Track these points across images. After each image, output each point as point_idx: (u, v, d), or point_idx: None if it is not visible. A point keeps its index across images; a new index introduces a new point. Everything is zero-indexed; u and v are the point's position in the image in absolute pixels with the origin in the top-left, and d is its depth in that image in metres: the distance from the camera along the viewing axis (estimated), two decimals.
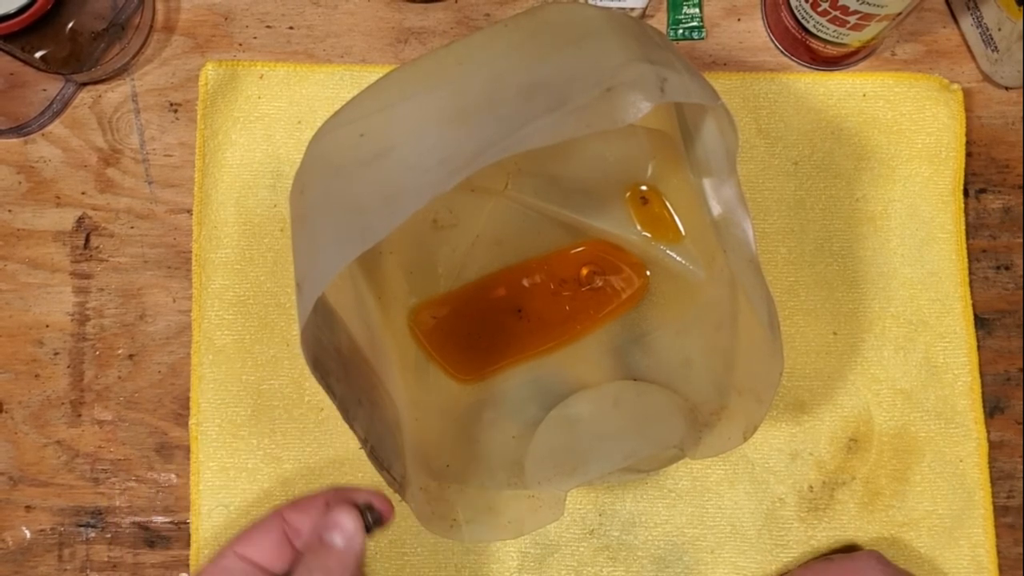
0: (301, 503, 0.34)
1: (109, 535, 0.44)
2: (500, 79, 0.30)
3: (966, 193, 0.47)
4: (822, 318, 0.46)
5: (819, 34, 0.44)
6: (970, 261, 0.46)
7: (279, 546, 0.32)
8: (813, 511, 0.44)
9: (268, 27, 0.48)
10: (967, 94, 0.48)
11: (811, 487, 0.45)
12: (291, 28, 0.48)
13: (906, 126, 0.47)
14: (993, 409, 0.46)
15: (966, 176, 0.47)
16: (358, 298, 0.39)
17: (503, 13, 0.48)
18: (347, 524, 0.32)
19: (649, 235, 0.44)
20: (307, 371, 0.44)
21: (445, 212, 0.44)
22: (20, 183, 0.47)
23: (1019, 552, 0.45)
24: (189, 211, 0.46)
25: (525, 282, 0.45)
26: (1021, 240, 0.47)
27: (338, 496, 0.34)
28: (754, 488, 0.44)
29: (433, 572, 0.44)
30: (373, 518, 0.33)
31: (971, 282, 0.46)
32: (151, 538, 0.44)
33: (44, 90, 0.47)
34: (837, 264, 0.46)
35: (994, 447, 0.45)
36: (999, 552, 0.44)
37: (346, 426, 0.34)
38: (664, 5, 0.49)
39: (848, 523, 0.44)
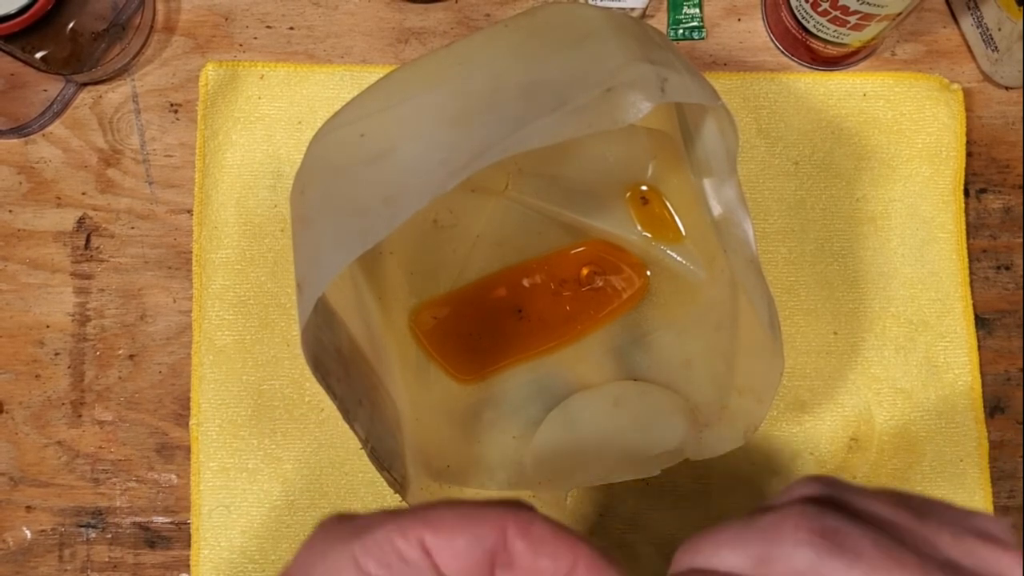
0: (537, 534, 0.22)
1: (110, 535, 0.44)
2: (500, 79, 0.30)
3: (966, 193, 0.47)
4: (822, 318, 0.46)
5: (819, 34, 0.44)
6: (970, 261, 0.46)
7: (481, 561, 0.22)
8: None
9: (268, 27, 0.48)
10: (967, 94, 0.48)
11: None
12: (291, 28, 0.48)
13: (906, 126, 0.47)
14: (993, 409, 0.46)
15: (966, 176, 0.47)
16: (359, 298, 0.39)
17: (503, 13, 0.48)
18: None
19: (649, 235, 0.44)
20: (307, 371, 0.44)
21: (446, 212, 0.44)
22: (20, 183, 0.47)
23: None
24: (189, 211, 0.46)
25: (525, 282, 0.45)
26: (1021, 240, 0.47)
27: None
28: (755, 488, 0.44)
29: None
30: None
31: (972, 282, 0.46)
32: (152, 538, 0.44)
33: (44, 91, 0.47)
34: (837, 264, 0.46)
35: (994, 447, 0.45)
36: None
37: (347, 426, 0.34)
38: (664, 5, 0.49)
39: None
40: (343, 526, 0.23)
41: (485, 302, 0.45)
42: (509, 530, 0.22)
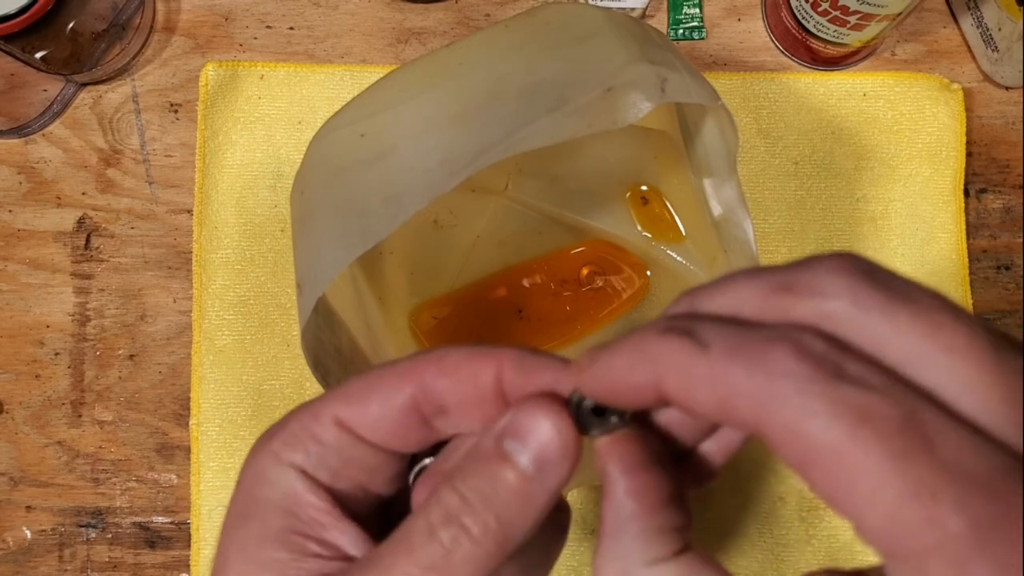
0: (452, 362, 0.20)
1: (110, 535, 0.44)
2: (501, 79, 0.30)
3: (966, 193, 0.47)
4: None
5: (819, 34, 0.44)
6: (970, 261, 0.46)
7: (405, 418, 0.20)
8: (814, 510, 0.44)
9: (268, 27, 0.48)
10: (967, 94, 0.48)
11: None
12: (291, 28, 0.48)
13: (906, 126, 0.47)
14: None
15: (966, 176, 0.47)
16: (359, 298, 0.39)
17: (503, 13, 0.48)
18: (543, 433, 0.19)
19: (650, 235, 0.44)
20: (308, 371, 0.44)
21: (446, 213, 0.44)
22: (21, 183, 0.47)
23: None
24: (190, 211, 0.46)
25: (526, 282, 0.45)
26: (1021, 240, 0.47)
27: (528, 369, 0.20)
28: (755, 487, 0.44)
29: None
30: (602, 423, 0.20)
31: (972, 282, 0.46)
32: (152, 538, 0.44)
33: (45, 91, 0.47)
34: None
35: None
36: None
37: None
38: (664, 5, 0.49)
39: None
40: (266, 432, 0.22)
41: (485, 302, 0.45)
42: (426, 375, 0.20)
